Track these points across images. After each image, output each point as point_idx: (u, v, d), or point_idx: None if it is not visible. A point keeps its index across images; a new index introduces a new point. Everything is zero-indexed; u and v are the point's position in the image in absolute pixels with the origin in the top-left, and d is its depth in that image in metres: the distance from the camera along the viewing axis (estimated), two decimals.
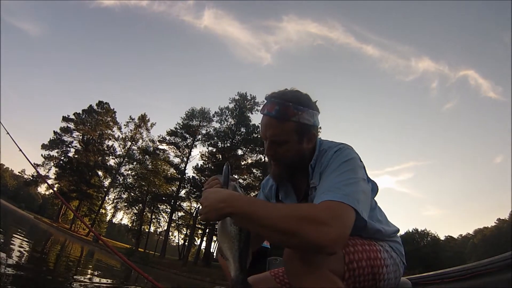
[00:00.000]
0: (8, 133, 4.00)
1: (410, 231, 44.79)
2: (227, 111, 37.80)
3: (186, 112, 39.19)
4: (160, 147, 40.26)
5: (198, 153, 38.90)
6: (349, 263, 0.95)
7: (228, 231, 0.96)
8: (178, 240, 40.18)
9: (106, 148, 44.84)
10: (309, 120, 1.05)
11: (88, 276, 6.01)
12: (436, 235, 44.33)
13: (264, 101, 1.11)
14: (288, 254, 0.91)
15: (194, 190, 35.51)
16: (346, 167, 0.97)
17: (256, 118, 36.95)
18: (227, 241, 0.96)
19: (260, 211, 0.83)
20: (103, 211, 45.23)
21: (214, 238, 33.98)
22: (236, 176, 1.10)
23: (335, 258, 0.92)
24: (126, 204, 41.14)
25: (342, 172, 0.95)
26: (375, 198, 1.19)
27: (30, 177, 43.49)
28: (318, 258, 0.88)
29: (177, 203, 36.78)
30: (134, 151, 43.83)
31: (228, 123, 37.46)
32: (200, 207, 0.95)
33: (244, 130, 36.80)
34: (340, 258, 0.94)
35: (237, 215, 0.86)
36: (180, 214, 38.56)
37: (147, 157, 40.99)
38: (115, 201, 42.91)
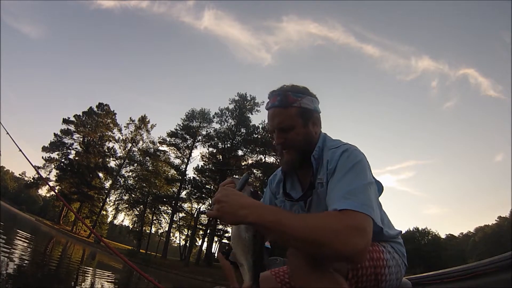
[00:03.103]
0: (8, 133, 3.97)
1: (411, 229, 44.76)
2: (227, 112, 37.87)
3: (186, 113, 39.32)
4: (160, 148, 40.37)
5: (198, 154, 38.82)
6: None
7: (243, 238, 0.96)
8: (180, 241, 40.23)
9: (106, 150, 44.84)
10: (309, 104, 1.12)
11: (90, 277, 6.02)
12: (437, 233, 44.26)
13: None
14: (292, 253, 0.91)
15: (195, 191, 35.54)
16: (356, 170, 0.98)
17: (256, 119, 37.08)
18: (241, 248, 0.96)
19: (285, 221, 0.82)
20: (104, 212, 45.14)
21: (216, 238, 34.02)
22: (236, 176, 1.10)
23: None
24: (127, 205, 41.22)
25: (355, 176, 0.97)
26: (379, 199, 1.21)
27: (31, 179, 43.56)
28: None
29: (178, 204, 36.80)
30: (134, 153, 43.80)
31: (228, 124, 37.52)
32: (215, 203, 0.91)
33: (244, 131, 36.83)
34: None
35: (259, 225, 0.85)
36: (181, 215, 38.59)
37: (148, 158, 41.02)
38: (116, 202, 42.98)
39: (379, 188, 1.15)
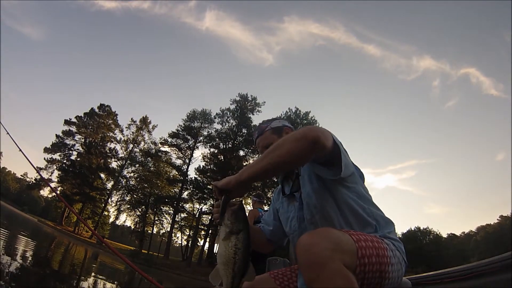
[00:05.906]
0: (8, 133, 3.96)
1: (413, 229, 44.64)
2: (228, 112, 37.89)
3: (188, 114, 39.39)
4: (162, 149, 40.44)
5: (200, 155, 38.69)
6: (361, 257, 0.95)
7: (224, 253, 1.02)
8: (181, 241, 40.27)
9: (108, 151, 44.92)
10: (278, 124, 1.48)
11: (92, 278, 6.04)
12: (438, 233, 44.11)
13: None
14: (303, 246, 0.89)
15: (197, 191, 35.56)
16: None
17: (257, 119, 37.05)
18: (222, 263, 1.02)
19: (267, 152, 1.04)
20: (106, 213, 45.25)
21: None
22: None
23: (349, 251, 0.92)
24: (129, 206, 41.24)
25: None
26: (368, 189, 1.29)
27: (32, 180, 43.68)
28: (333, 250, 0.87)
29: (180, 205, 36.85)
30: (136, 154, 43.90)
31: (230, 124, 37.55)
32: (216, 184, 1.14)
33: (245, 131, 36.80)
34: (353, 252, 0.94)
35: (257, 171, 1.04)
36: (182, 215, 38.63)
37: (149, 159, 41.09)
38: (118, 203, 42.99)
39: (360, 174, 1.29)
